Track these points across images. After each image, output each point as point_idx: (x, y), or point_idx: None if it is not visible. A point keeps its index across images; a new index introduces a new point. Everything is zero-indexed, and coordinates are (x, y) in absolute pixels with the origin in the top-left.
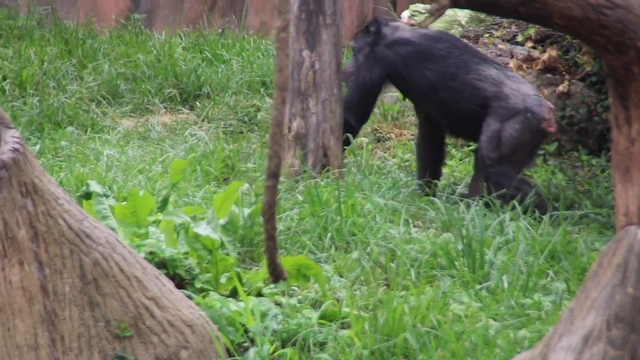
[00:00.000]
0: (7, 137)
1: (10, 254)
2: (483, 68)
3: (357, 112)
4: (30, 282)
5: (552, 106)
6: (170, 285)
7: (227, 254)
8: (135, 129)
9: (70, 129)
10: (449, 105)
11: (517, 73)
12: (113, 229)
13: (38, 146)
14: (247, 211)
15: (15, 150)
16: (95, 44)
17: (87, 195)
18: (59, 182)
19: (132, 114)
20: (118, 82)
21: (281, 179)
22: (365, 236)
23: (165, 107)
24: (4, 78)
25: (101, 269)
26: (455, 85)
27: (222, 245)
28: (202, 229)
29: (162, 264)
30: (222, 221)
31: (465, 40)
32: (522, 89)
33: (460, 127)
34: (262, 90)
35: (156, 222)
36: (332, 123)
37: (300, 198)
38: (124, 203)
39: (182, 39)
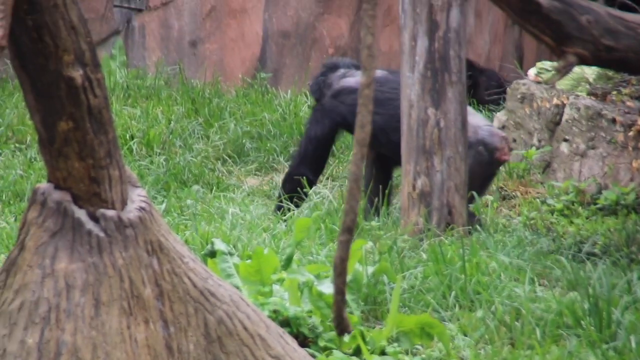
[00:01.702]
0: (133, 195)
1: (135, 312)
2: None
3: (312, 166)
4: (155, 340)
5: (504, 134)
6: (293, 343)
7: (351, 312)
8: (260, 187)
9: (195, 187)
10: (400, 145)
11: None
12: (237, 287)
13: (164, 205)
14: (370, 269)
15: (141, 209)
16: (221, 103)
17: (212, 254)
18: (185, 241)
19: (257, 172)
20: (244, 140)
21: (405, 237)
22: (489, 295)
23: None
24: (132, 137)
25: (225, 328)
26: None
27: (346, 303)
28: (326, 287)
29: (285, 323)
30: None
31: None
32: (473, 121)
33: None
34: None
35: (280, 281)
36: (457, 181)
37: (424, 256)
38: (249, 261)
39: (307, 98)
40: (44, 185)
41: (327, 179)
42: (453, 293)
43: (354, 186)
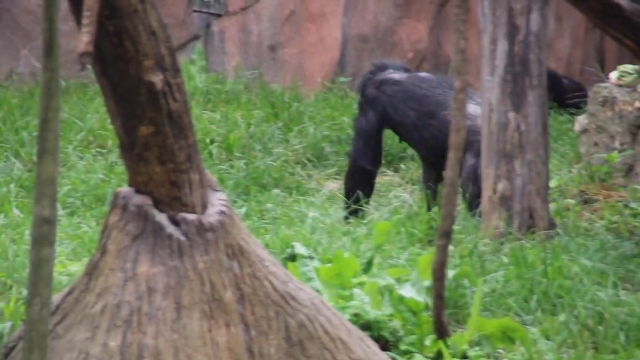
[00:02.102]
0: (213, 199)
1: (216, 315)
2: None
3: (368, 157)
4: (236, 343)
5: None
6: (375, 347)
7: (432, 316)
8: (339, 191)
9: (275, 191)
10: (431, 142)
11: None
12: (318, 291)
13: (244, 209)
14: (451, 273)
15: (221, 212)
16: (300, 107)
17: (292, 257)
18: (265, 244)
19: (336, 176)
20: (323, 144)
21: (485, 240)
22: (572, 298)
23: None
24: (212, 141)
25: (306, 331)
26: (434, 123)
27: (426, 307)
28: (407, 291)
29: (366, 326)
30: (426, 283)
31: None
32: (473, 110)
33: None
34: None
35: (360, 284)
36: (538, 185)
37: (506, 260)
38: (329, 265)
39: None
40: (125, 189)
41: (407, 182)
42: (535, 297)
43: (450, 190)
